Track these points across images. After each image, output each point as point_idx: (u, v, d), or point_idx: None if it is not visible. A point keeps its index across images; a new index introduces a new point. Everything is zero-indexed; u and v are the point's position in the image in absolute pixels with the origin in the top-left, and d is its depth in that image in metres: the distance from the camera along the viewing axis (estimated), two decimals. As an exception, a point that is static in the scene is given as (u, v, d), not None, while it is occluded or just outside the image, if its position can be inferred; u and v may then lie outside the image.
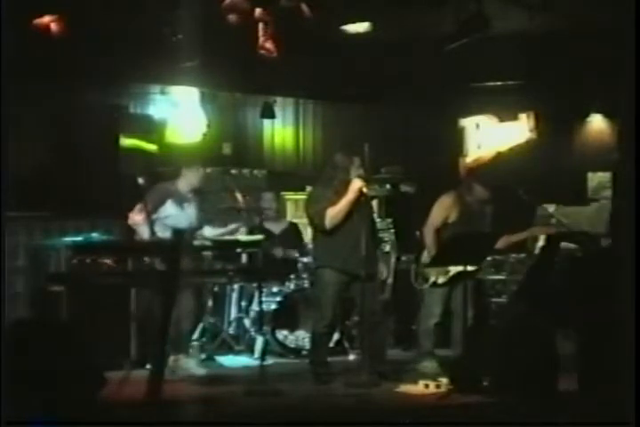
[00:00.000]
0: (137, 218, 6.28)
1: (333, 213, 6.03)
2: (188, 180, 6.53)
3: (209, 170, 8.29)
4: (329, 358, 6.35)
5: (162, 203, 6.36)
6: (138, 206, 6.30)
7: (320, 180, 6.39)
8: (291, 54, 6.98)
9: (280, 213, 8.06)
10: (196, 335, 6.92)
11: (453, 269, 6.39)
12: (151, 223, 6.02)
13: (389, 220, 7.45)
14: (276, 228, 7.82)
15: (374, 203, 6.97)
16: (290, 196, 8.79)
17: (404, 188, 8.67)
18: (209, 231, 6.61)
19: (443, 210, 6.53)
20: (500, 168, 9.13)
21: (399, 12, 7.17)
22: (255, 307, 7.22)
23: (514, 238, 6.64)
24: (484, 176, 6.68)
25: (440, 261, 6.30)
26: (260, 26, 6.66)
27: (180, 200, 6.47)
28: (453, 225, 6.49)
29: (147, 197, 6.27)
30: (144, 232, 6.17)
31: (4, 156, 4.86)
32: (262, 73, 8.09)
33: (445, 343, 6.70)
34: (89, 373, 4.94)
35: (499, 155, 9.63)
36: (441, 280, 6.47)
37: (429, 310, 6.57)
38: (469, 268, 6.30)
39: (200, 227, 6.57)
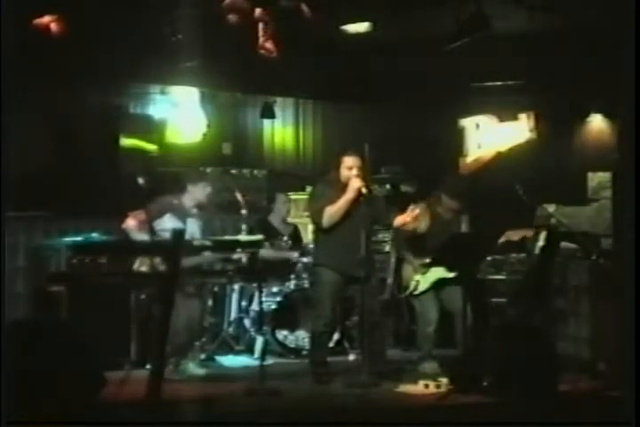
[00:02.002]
0: (130, 223, 6.24)
1: (331, 212, 6.04)
2: (192, 195, 6.48)
3: (209, 170, 8.30)
4: (329, 358, 6.35)
5: (160, 215, 6.28)
6: (136, 212, 6.27)
7: (323, 179, 6.41)
8: (291, 54, 6.98)
9: (287, 215, 8.05)
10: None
11: (433, 276, 6.42)
12: (152, 232, 5.99)
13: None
14: (284, 229, 7.83)
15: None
16: (290, 196, 8.77)
17: (404, 188, 8.67)
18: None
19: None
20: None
21: (399, 12, 7.16)
22: (255, 307, 7.22)
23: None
24: (451, 187, 6.68)
25: (434, 264, 6.33)
26: (260, 26, 6.66)
27: (183, 215, 6.42)
28: (425, 235, 6.54)
29: (147, 206, 6.25)
30: (135, 238, 6.16)
31: (4, 156, 4.86)
32: (262, 73, 8.09)
33: (445, 344, 6.70)
34: (89, 373, 4.95)
35: (499, 155, 9.64)
36: (421, 288, 6.49)
37: (426, 318, 6.58)
38: (450, 274, 6.33)
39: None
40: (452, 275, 6.36)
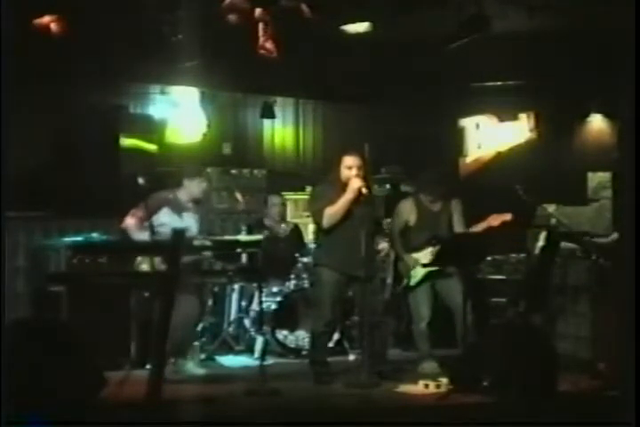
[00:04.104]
0: (129, 222, 6.26)
1: (332, 212, 6.04)
2: (188, 190, 6.48)
3: (209, 170, 8.30)
4: (329, 358, 6.35)
5: (157, 210, 6.29)
6: (132, 210, 6.28)
7: (323, 179, 6.41)
8: (291, 54, 6.98)
9: (284, 215, 8.05)
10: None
11: (423, 269, 6.43)
12: (152, 229, 5.99)
13: (389, 220, 7.43)
14: (281, 229, 7.82)
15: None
16: (290, 196, 8.78)
17: (404, 188, 8.66)
18: None
19: (400, 216, 6.65)
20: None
21: (399, 12, 7.16)
22: (255, 307, 7.22)
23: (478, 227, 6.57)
24: (425, 182, 6.67)
25: (436, 262, 6.33)
26: (260, 26, 6.66)
27: (179, 209, 6.42)
28: (415, 228, 6.57)
29: (143, 203, 6.26)
30: (135, 236, 6.16)
31: (4, 156, 4.86)
32: (262, 73, 8.09)
33: (445, 344, 6.70)
34: (89, 373, 4.94)
35: (499, 155, 9.64)
36: (413, 281, 6.50)
37: (418, 313, 6.59)
38: (439, 267, 6.34)
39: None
40: (441, 268, 6.36)
